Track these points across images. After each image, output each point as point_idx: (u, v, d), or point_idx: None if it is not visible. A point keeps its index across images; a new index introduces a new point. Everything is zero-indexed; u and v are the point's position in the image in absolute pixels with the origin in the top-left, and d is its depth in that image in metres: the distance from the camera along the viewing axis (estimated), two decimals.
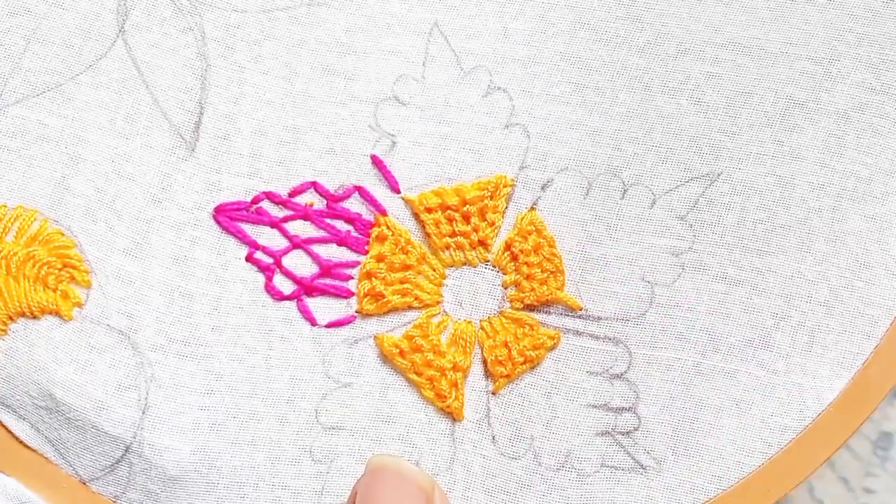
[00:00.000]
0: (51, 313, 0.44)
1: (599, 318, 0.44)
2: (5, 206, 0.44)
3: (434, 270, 0.44)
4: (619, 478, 0.43)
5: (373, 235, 0.45)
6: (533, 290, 0.44)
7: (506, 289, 0.44)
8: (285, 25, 0.45)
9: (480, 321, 0.44)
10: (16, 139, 0.44)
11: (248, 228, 0.44)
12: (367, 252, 0.45)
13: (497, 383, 0.44)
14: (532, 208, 0.44)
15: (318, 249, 0.45)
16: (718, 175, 0.44)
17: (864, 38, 0.44)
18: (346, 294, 0.44)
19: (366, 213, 0.45)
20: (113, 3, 0.44)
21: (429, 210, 0.44)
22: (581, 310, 0.44)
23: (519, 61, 0.45)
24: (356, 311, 0.44)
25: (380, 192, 0.45)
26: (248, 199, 0.45)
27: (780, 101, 0.44)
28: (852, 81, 0.44)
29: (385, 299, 0.44)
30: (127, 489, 0.44)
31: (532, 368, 0.44)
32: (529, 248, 0.44)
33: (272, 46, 0.45)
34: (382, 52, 0.45)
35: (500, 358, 0.44)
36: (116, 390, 0.43)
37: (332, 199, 0.45)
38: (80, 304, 0.44)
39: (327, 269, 0.44)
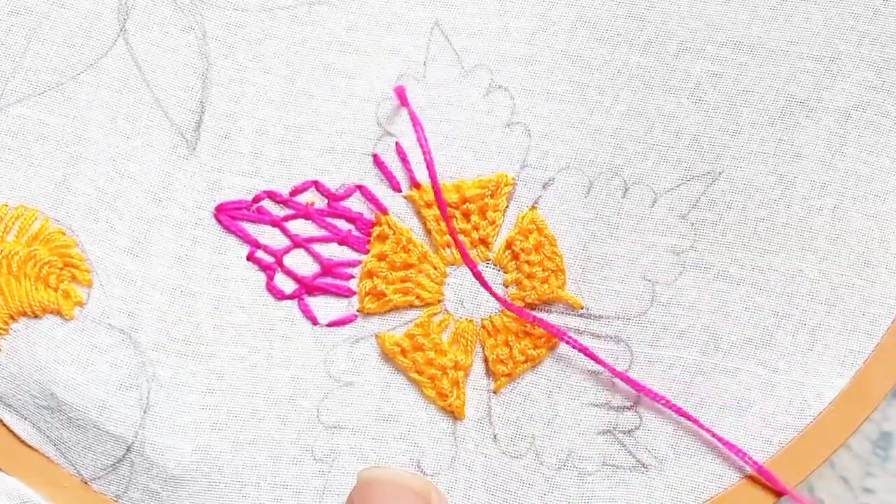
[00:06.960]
0: (52, 312, 0.44)
1: (601, 317, 0.44)
2: (6, 206, 0.44)
3: (435, 269, 0.44)
4: (621, 476, 0.43)
5: (374, 234, 0.45)
6: (534, 288, 0.44)
7: (507, 287, 0.44)
8: (286, 24, 0.45)
9: (482, 320, 0.44)
10: (17, 138, 0.44)
11: (249, 227, 0.44)
12: (368, 251, 0.45)
13: (498, 382, 0.44)
14: (533, 207, 0.44)
15: (320, 248, 0.45)
16: (720, 173, 0.44)
17: (866, 36, 0.44)
18: (348, 293, 0.44)
19: (367, 212, 0.45)
20: (114, 2, 0.44)
21: (429, 205, 0.44)
22: (582, 308, 0.44)
23: (520, 60, 0.45)
24: (357, 310, 0.44)
25: (381, 191, 0.45)
26: (250, 198, 0.44)
27: (782, 99, 0.44)
28: (853, 80, 0.44)
29: (386, 298, 0.44)
30: (128, 488, 0.44)
31: (533, 367, 0.44)
32: (530, 246, 0.44)
33: (273, 45, 0.45)
34: (383, 50, 0.45)
35: (501, 356, 0.44)
36: (118, 389, 0.43)
37: (334, 198, 0.45)
38: (81, 304, 0.44)
39: (328, 268, 0.44)
